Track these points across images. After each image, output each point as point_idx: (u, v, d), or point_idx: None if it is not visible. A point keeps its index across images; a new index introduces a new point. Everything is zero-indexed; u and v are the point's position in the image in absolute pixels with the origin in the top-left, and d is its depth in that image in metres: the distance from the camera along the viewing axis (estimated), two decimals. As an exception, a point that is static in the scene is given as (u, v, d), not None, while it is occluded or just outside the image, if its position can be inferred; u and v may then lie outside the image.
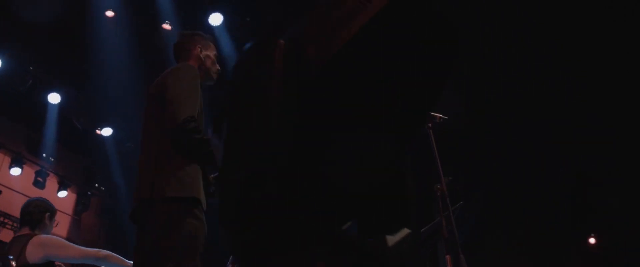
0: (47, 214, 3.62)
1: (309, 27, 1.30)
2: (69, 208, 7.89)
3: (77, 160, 7.73)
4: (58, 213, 8.30)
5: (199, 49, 2.80)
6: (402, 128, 1.38)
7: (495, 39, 6.80)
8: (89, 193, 7.95)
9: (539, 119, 7.17)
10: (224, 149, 1.29)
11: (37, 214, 3.56)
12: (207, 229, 2.41)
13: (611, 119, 6.99)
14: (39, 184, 7.11)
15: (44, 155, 7.15)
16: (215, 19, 5.69)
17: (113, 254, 3.52)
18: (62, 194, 7.45)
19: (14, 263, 3.27)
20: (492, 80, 7.34)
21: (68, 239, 7.49)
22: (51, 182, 7.30)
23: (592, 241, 7.98)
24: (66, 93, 6.41)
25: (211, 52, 2.84)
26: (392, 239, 1.27)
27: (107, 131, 7.02)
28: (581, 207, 7.77)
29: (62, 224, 7.55)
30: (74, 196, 7.93)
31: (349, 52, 1.20)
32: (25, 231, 3.56)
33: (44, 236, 3.52)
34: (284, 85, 1.21)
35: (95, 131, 7.23)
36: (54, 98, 6.34)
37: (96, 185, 8.16)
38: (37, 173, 7.04)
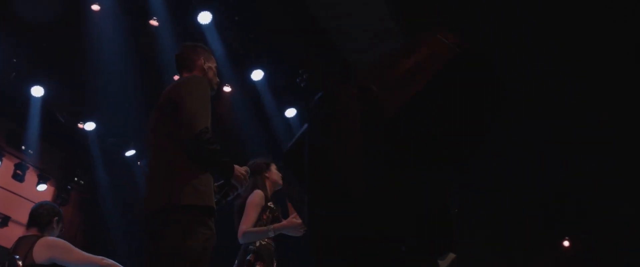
0: (56, 218, 3.75)
1: (378, 74, 1.47)
2: (47, 202, 7.82)
3: (57, 154, 7.65)
4: (36, 207, 8.20)
5: (202, 60, 2.92)
6: (451, 163, 1.55)
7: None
8: (69, 187, 7.88)
9: (515, 121, 7.32)
10: (309, 187, 1.45)
11: (46, 217, 3.69)
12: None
13: (586, 122, 7.16)
14: (18, 177, 7.05)
15: (23, 148, 7.07)
16: (205, 17, 5.70)
17: (116, 263, 3.61)
18: (42, 187, 7.38)
19: (20, 262, 3.33)
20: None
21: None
22: (31, 175, 7.22)
23: (566, 243, 8.17)
24: (50, 87, 6.34)
25: (213, 64, 2.97)
26: (443, 263, 1.39)
27: (89, 126, 6.96)
28: (556, 209, 7.96)
29: (39, 218, 7.48)
30: (52, 190, 7.85)
31: (416, 101, 1.40)
32: (33, 231, 3.67)
33: (51, 238, 3.63)
34: (361, 130, 1.38)
35: (78, 125, 7.17)
36: (37, 91, 6.28)
37: (75, 179, 8.09)
38: (17, 166, 6.98)
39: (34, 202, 7.53)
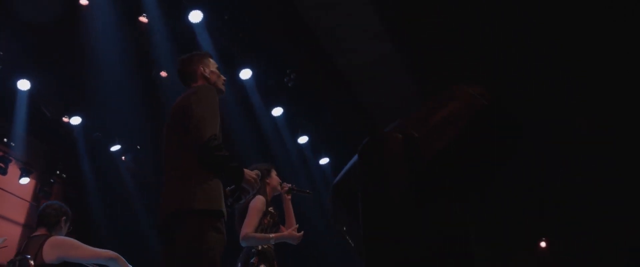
0: (64, 217, 3.82)
1: (419, 123, 1.80)
2: (29, 195, 7.77)
3: (41, 148, 7.61)
4: (17, 200, 8.18)
5: (201, 68, 2.99)
6: (471, 196, 1.86)
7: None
8: (52, 181, 7.85)
9: None
10: (364, 217, 1.76)
11: (54, 217, 3.76)
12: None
13: (564, 125, 7.35)
14: (1, 170, 7.00)
15: (5, 140, 7.03)
16: (196, 16, 5.74)
17: (121, 257, 3.67)
18: (24, 180, 7.34)
19: (32, 262, 3.38)
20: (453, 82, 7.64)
21: (26, 225, 7.40)
22: (13, 168, 7.18)
23: (543, 244, 8.36)
24: (36, 80, 6.31)
25: (213, 67, 3.05)
26: None
27: (75, 120, 6.94)
28: (533, 210, 8.13)
29: (20, 210, 7.46)
30: (34, 182, 7.81)
31: (450, 146, 1.74)
32: (42, 231, 3.74)
33: (59, 237, 3.70)
34: (405, 170, 1.70)
35: (62, 119, 7.15)
36: (24, 85, 6.24)
37: (58, 172, 8.06)
38: (0, 159, 6.93)
39: (15, 195, 7.57)
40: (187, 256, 2.50)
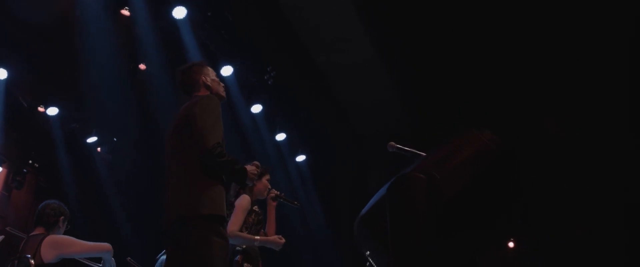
0: (62, 217, 3.90)
1: (439, 166, 2.19)
2: (0, 184, 7.68)
3: (15, 137, 7.52)
4: (-11, 190, 8.01)
5: (202, 77, 3.12)
6: (480, 231, 2.31)
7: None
8: (25, 170, 7.77)
9: (462, 122, 7.69)
10: (393, 247, 2.11)
11: (53, 217, 3.84)
12: None
13: (531, 125, 7.54)
14: (-27, 159, 6.91)
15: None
16: (179, 12, 5.77)
17: (110, 246, 3.81)
18: (-3, 169, 7.25)
19: (32, 261, 3.40)
20: (432, 87, 7.81)
21: (-1, 215, 7.33)
22: (-13, 157, 7.09)
23: (511, 244, 8.59)
24: (13, 70, 6.25)
25: (213, 75, 3.19)
26: None
27: (52, 110, 6.89)
28: (500, 210, 8.32)
29: (-8, 201, 7.38)
30: (6, 172, 7.72)
31: (467, 187, 2.15)
32: (40, 230, 3.80)
33: (55, 236, 3.78)
34: (429, 208, 2.06)
35: (38, 109, 7.09)
36: (1, 74, 6.17)
37: (30, 161, 7.98)
38: (-27, 148, 6.84)
39: (-13, 184, 7.46)
40: (192, 260, 2.62)
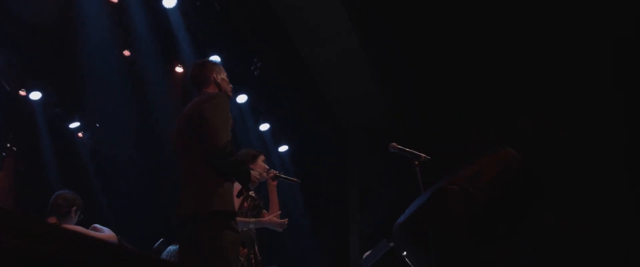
0: (74, 207, 3.95)
1: (472, 180, 2.60)
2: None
3: (-5, 122, 7.45)
4: (-33, 174, 7.93)
5: (214, 75, 3.25)
6: (497, 239, 2.72)
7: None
8: (3, 154, 7.71)
9: (445, 115, 7.84)
10: (433, 252, 2.47)
11: (65, 208, 3.91)
12: None
13: (503, 127, 7.71)
14: (-49, 142, 6.84)
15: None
16: (169, 1, 5.79)
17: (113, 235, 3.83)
18: (-26, 153, 7.18)
19: None
20: (414, 81, 7.97)
21: (-26, 199, 7.25)
22: (-35, 141, 7.02)
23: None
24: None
25: (223, 75, 3.32)
26: None
27: (35, 95, 6.84)
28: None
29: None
30: (-16, 155, 7.65)
31: (497, 199, 2.60)
32: (52, 220, 3.87)
33: (68, 226, 3.83)
34: (464, 217, 2.47)
35: (19, 93, 7.03)
36: (-16, 58, 6.12)
37: (8, 145, 7.91)
38: (-49, 132, 6.77)
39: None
40: (207, 255, 2.75)
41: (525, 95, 7.40)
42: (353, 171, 8.56)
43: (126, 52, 6.91)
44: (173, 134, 3.19)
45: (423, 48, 7.36)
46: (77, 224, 4.00)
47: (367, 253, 4.04)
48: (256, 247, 3.95)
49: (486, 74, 7.41)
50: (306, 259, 8.08)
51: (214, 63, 3.36)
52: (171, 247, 4.83)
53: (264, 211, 4.17)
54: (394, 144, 3.70)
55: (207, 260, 2.75)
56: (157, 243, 4.97)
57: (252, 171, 3.08)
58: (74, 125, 7.40)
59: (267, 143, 7.97)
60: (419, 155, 3.61)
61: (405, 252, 2.90)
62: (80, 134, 7.70)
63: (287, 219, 4.04)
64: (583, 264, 6.33)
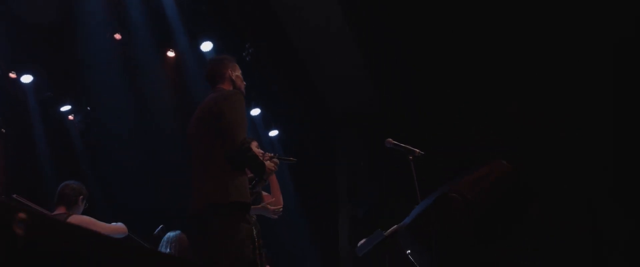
0: (81, 197, 4.15)
1: (470, 188, 2.97)
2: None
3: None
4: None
5: (229, 71, 3.41)
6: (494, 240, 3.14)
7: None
8: (-5, 135, 7.71)
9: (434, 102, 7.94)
10: (438, 252, 2.86)
11: (73, 197, 4.10)
12: None
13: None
14: (-61, 123, 6.83)
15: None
16: (163, -14, 5.82)
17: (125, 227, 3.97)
18: (-37, 135, 7.18)
19: None
20: (401, 69, 8.06)
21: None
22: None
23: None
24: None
25: (238, 72, 3.49)
26: None
27: (26, 78, 6.85)
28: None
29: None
30: (-28, 136, 7.64)
31: (492, 205, 2.99)
32: (61, 210, 4.06)
33: (78, 216, 4.03)
34: (464, 221, 2.85)
35: (10, 75, 7.02)
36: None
37: (-1, 128, 7.90)
38: (-60, 114, 6.76)
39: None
40: (222, 243, 2.94)
41: (515, 78, 7.47)
42: (343, 155, 8.67)
43: (117, 36, 6.93)
44: (191, 128, 3.34)
45: (412, 32, 7.44)
46: (83, 213, 4.18)
47: (362, 241, 4.17)
48: (257, 232, 4.05)
49: (476, 58, 7.51)
50: (295, 243, 8.22)
51: (229, 60, 3.50)
52: (170, 234, 4.96)
53: (266, 193, 4.24)
54: (390, 139, 3.90)
55: (222, 250, 2.93)
56: (157, 229, 5.09)
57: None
58: (65, 108, 7.43)
59: (258, 128, 8.06)
60: (413, 150, 3.80)
61: (409, 251, 3.24)
62: (70, 117, 7.73)
63: (281, 207, 4.09)
64: (583, 264, 6.46)
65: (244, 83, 3.47)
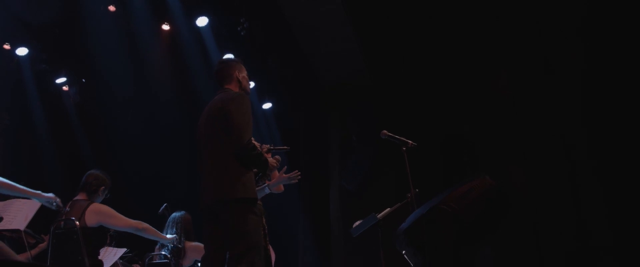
0: (102, 187, 4.39)
1: (457, 201, 3.53)
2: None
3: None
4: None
5: (237, 73, 3.64)
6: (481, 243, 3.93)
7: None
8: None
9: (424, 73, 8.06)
10: (429, 256, 3.50)
11: (95, 186, 4.35)
12: None
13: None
14: None
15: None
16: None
17: (151, 227, 4.34)
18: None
19: (77, 222, 4.00)
20: (395, 41, 8.16)
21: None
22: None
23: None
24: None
25: (244, 73, 3.71)
26: None
27: (22, 51, 6.89)
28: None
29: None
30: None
31: (477, 217, 3.61)
32: (83, 196, 4.31)
33: (99, 205, 4.26)
34: (452, 230, 3.55)
35: (4, 46, 7.05)
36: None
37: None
38: None
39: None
40: (233, 235, 3.19)
41: (505, 50, 7.57)
42: (334, 126, 8.82)
43: (111, 8, 6.97)
44: (200, 126, 3.56)
45: (404, 8, 7.53)
46: (103, 202, 4.39)
47: (357, 223, 4.43)
48: (264, 219, 4.18)
49: (465, 30, 7.61)
50: (286, 214, 8.39)
51: (237, 61, 3.71)
52: (176, 214, 5.14)
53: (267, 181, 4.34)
54: (385, 131, 4.15)
55: (234, 241, 3.18)
56: (162, 208, 5.24)
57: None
58: (61, 80, 7.50)
59: (252, 101, 8.16)
60: (407, 141, 4.04)
61: (404, 251, 3.69)
62: (65, 88, 7.80)
63: (297, 171, 4.16)
64: (583, 264, 6.64)
65: (250, 83, 3.68)
